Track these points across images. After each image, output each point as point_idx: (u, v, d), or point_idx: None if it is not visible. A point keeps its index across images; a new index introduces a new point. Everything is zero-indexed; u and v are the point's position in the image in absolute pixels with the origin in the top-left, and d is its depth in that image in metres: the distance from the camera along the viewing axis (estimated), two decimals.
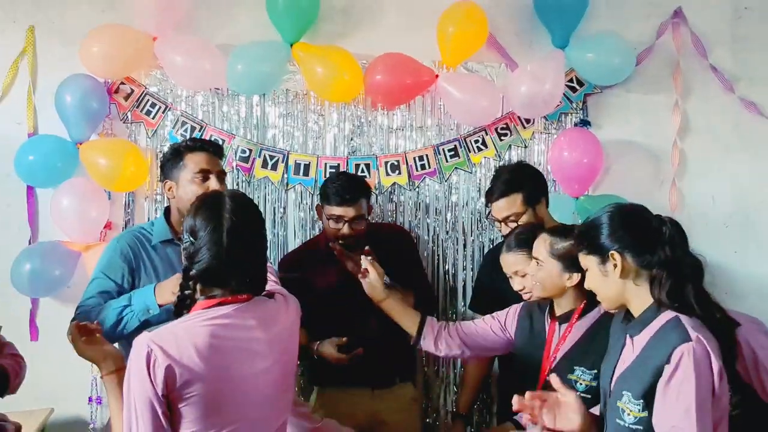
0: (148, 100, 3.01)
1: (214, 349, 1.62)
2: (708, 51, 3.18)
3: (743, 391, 1.80)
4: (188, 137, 2.95)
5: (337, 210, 2.52)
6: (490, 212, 2.56)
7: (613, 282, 1.71)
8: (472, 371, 2.74)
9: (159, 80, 3.03)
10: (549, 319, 2.21)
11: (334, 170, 3.03)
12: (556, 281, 2.12)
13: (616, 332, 1.85)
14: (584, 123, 3.15)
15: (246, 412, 1.67)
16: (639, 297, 1.70)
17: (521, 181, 2.50)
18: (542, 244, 2.14)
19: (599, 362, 1.98)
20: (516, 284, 2.28)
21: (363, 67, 2.98)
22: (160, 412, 1.55)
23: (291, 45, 2.95)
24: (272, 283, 1.91)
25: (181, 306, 1.70)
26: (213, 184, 2.29)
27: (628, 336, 1.73)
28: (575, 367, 2.08)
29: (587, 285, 1.80)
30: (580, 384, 2.07)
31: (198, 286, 1.69)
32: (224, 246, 1.65)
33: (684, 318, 1.63)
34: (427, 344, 2.29)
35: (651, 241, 1.68)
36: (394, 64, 2.96)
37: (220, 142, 3.00)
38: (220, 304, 1.67)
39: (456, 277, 3.15)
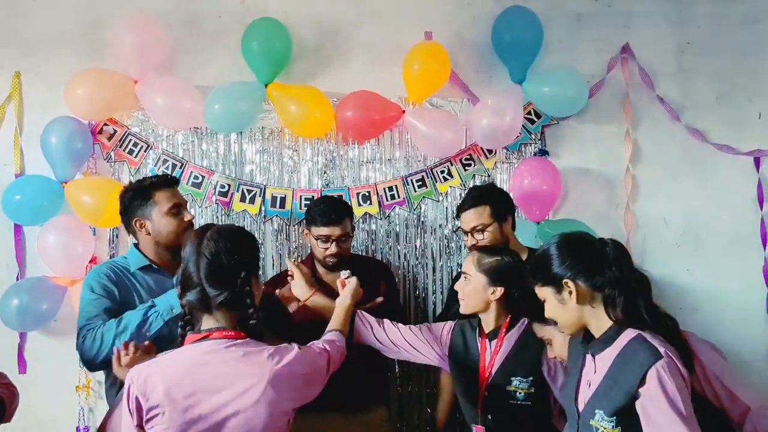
0: (131, 139, 3.16)
1: (183, 386, 1.68)
2: (655, 83, 3.40)
3: (698, 401, 1.86)
4: (170, 173, 3.11)
5: (324, 230, 2.68)
6: (459, 227, 2.75)
7: (572, 308, 1.80)
8: (445, 382, 2.86)
9: (140, 121, 3.18)
10: (479, 338, 2.36)
11: (308, 202, 3.18)
12: (482, 295, 2.28)
13: (573, 353, 1.96)
14: (543, 152, 3.35)
15: None
16: (597, 318, 1.80)
17: (490, 195, 2.73)
18: (471, 260, 2.33)
19: (534, 369, 2.16)
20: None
21: (334, 104, 3.16)
22: None
23: (266, 85, 3.12)
24: (316, 346, 1.95)
25: (184, 332, 1.81)
26: (186, 215, 2.48)
27: (589, 355, 1.83)
28: (512, 378, 2.25)
29: (547, 314, 1.88)
30: (520, 393, 2.23)
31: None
32: (201, 268, 1.76)
33: (648, 335, 1.73)
34: (365, 337, 2.37)
35: (598, 263, 1.79)
36: (363, 101, 3.14)
37: (200, 179, 3.16)
38: (205, 338, 1.74)
39: (426, 300, 3.31)
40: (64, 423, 3.04)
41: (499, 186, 3.29)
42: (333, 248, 2.70)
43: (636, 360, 1.69)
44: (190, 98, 3.07)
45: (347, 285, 2.39)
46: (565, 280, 1.80)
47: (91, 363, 2.29)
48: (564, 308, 1.83)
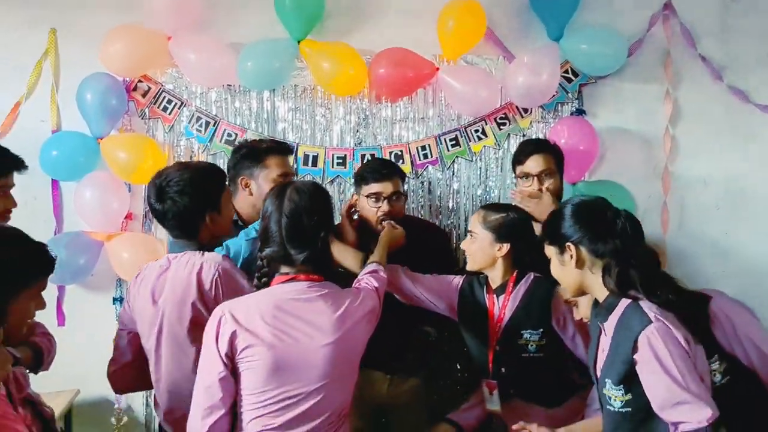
0: (165, 96, 3.16)
1: (277, 319, 1.82)
2: (697, 41, 3.31)
3: (729, 361, 1.90)
4: (203, 132, 3.14)
5: (375, 186, 2.56)
6: (522, 173, 2.70)
7: (571, 271, 1.85)
8: None
9: (174, 78, 3.18)
10: (487, 294, 2.37)
11: (341, 161, 3.18)
12: (488, 251, 2.30)
13: (593, 320, 1.96)
14: (580, 112, 3.28)
15: (303, 382, 1.82)
16: (599, 285, 1.83)
17: (555, 147, 2.77)
18: (477, 217, 2.33)
19: (543, 321, 2.19)
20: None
21: (367, 61, 3.12)
22: (220, 371, 1.79)
23: (298, 42, 3.09)
24: (365, 283, 2.08)
25: (259, 282, 1.95)
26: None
27: (599, 323, 1.86)
28: (522, 332, 2.27)
29: (552, 273, 1.94)
30: (531, 345, 2.25)
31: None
32: (283, 227, 1.87)
33: (644, 302, 1.75)
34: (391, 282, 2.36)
35: (604, 232, 1.81)
36: (396, 58, 3.11)
37: (233, 137, 3.17)
38: (291, 280, 1.88)
39: (458, 261, 3.29)
40: (100, 374, 3.08)
41: None
42: (385, 206, 2.55)
43: (629, 326, 1.73)
44: (223, 55, 3.07)
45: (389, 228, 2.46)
46: (568, 243, 1.83)
47: None
48: (564, 270, 1.88)
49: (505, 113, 3.27)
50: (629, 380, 1.72)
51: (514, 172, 2.82)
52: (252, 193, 2.51)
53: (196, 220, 2.10)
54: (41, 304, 1.72)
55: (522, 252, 2.31)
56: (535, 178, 2.66)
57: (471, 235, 2.36)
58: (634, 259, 1.79)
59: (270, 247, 1.91)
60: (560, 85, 3.22)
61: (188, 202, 2.07)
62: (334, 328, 1.84)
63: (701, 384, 1.67)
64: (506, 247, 2.29)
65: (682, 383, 1.64)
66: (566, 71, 3.26)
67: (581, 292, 1.89)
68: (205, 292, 2.00)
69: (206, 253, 2.09)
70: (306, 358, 1.82)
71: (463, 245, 2.39)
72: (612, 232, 1.80)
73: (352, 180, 2.95)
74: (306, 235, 1.89)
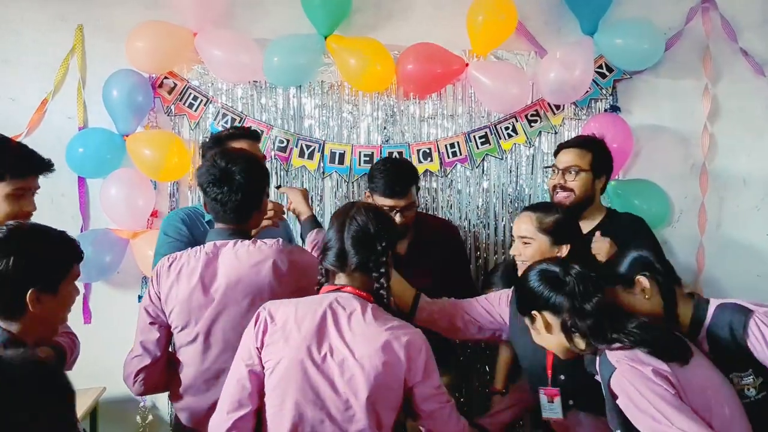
0: (191, 93, 3.14)
1: (312, 322, 1.79)
2: (738, 34, 3.20)
3: (766, 376, 1.81)
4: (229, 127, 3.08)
5: (388, 201, 2.56)
6: (552, 165, 2.66)
7: (547, 337, 1.90)
8: (504, 351, 2.79)
9: (200, 74, 3.15)
10: None
11: (367, 158, 3.12)
12: (548, 255, 2.14)
13: None
14: (614, 108, 3.19)
15: (312, 413, 1.75)
16: (574, 341, 1.85)
17: (597, 146, 2.64)
18: (527, 221, 2.21)
19: None
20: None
21: (395, 57, 3.07)
22: (252, 364, 1.80)
23: (325, 37, 3.05)
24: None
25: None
26: None
27: (595, 377, 1.86)
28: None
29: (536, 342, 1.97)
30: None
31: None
32: (347, 237, 1.86)
33: (607, 350, 1.76)
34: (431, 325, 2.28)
35: (557, 295, 1.84)
36: (425, 53, 3.04)
37: (259, 133, 3.12)
38: (338, 290, 1.85)
39: (488, 262, 3.23)
40: None
41: None
42: (397, 218, 2.55)
43: (604, 376, 1.75)
44: (249, 51, 3.03)
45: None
46: (533, 312, 1.89)
47: None
48: (544, 336, 1.91)
49: (536, 110, 3.18)
50: (629, 424, 1.69)
51: (546, 168, 2.76)
52: None
53: (253, 207, 2.11)
54: (77, 290, 1.80)
55: (579, 252, 2.20)
56: (561, 172, 2.59)
57: (524, 242, 2.23)
58: (584, 313, 1.81)
59: (330, 251, 1.88)
60: (594, 80, 3.13)
61: (253, 187, 2.07)
62: (368, 358, 1.75)
63: (691, 416, 1.60)
64: (566, 248, 2.18)
65: (664, 421, 1.59)
66: (600, 66, 3.17)
67: (572, 352, 1.89)
68: (281, 280, 2.02)
69: (266, 240, 2.08)
70: (323, 379, 1.76)
71: (513, 251, 2.26)
72: (563, 291, 1.84)
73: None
74: (367, 241, 1.85)
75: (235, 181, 2.03)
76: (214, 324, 2.04)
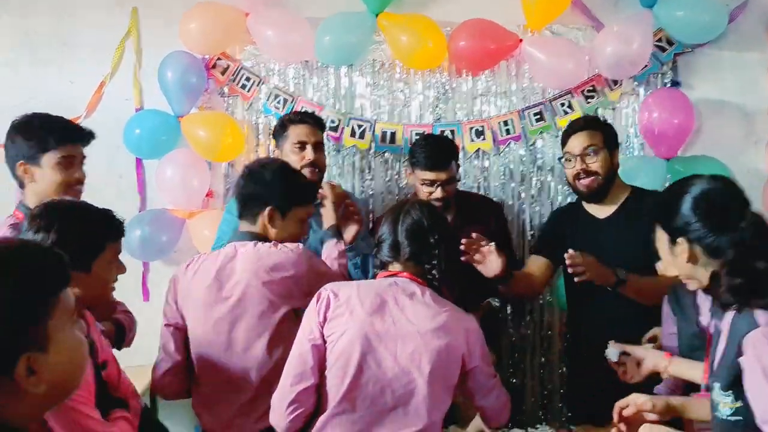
0: (243, 74, 3.15)
1: (371, 301, 1.84)
2: None
3: None
4: (282, 109, 3.11)
5: (429, 174, 2.57)
6: (565, 153, 2.55)
7: (681, 263, 1.68)
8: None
9: (252, 55, 3.16)
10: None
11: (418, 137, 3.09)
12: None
13: (712, 319, 1.80)
14: (674, 83, 3.09)
15: (373, 385, 1.79)
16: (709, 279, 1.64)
17: (602, 123, 2.61)
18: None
19: None
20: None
21: (447, 34, 3.02)
22: (314, 338, 1.83)
23: (376, 15, 3.01)
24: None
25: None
26: (309, 154, 2.59)
27: (716, 322, 1.70)
28: None
29: (659, 250, 1.75)
30: None
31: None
32: (401, 229, 1.92)
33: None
34: None
35: (724, 235, 1.60)
36: (477, 29, 2.99)
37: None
38: (395, 275, 1.90)
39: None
40: None
41: (623, 121, 3.13)
42: (438, 192, 2.59)
43: (738, 327, 1.54)
44: (301, 30, 3.02)
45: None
46: (680, 239, 1.65)
47: None
48: (674, 259, 1.69)
49: (593, 85, 3.10)
50: (738, 386, 1.53)
51: (560, 160, 2.66)
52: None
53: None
54: (122, 268, 1.80)
55: None
56: (578, 158, 2.49)
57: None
58: (753, 266, 1.55)
59: (384, 242, 1.94)
60: (653, 54, 3.02)
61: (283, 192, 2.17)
62: (425, 342, 1.81)
63: None
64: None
65: None
66: (659, 40, 3.06)
67: (694, 282, 1.71)
68: (298, 282, 2.10)
69: (287, 244, 2.14)
70: (384, 363, 1.80)
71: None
72: (734, 237, 1.58)
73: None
74: (421, 232, 1.90)
75: (264, 184, 2.17)
76: (231, 325, 2.09)
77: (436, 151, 2.61)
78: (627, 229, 2.44)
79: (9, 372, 0.99)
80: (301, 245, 2.17)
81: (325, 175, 3.12)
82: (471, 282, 2.34)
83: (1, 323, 0.99)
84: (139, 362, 2.92)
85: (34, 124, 2.16)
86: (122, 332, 2.20)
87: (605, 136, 2.54)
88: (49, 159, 2.13)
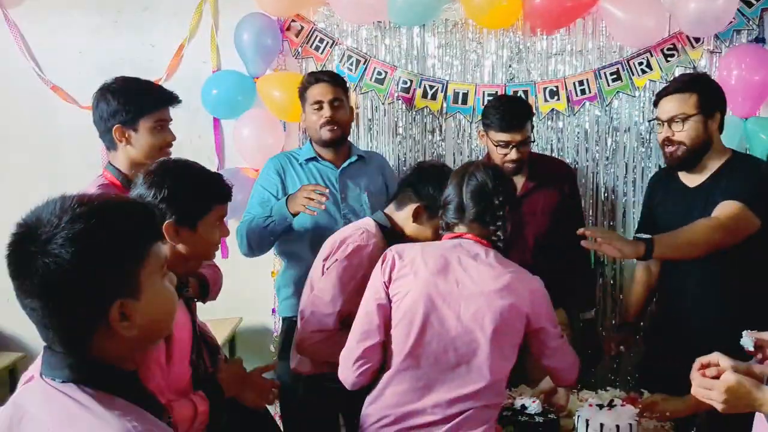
0: (317, 36, 3.18)
1: (436, 261, 1.87)
2: None
3: None
4: (354, 71, 3.16)
5: (504, 136, 2.54)
6: (655, 117, 2.41)
7: None
8: (640, 276, 2.66)
9: (326, 16, 3.19)
10: None
11: (491, 98, 3.06)
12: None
13: None
14: (759, 40, 2.95)
15: (437, 343, 1.82)
16: None
17: (700, 84, 2.36)
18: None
19: None
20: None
21: None
22: (379, 298, 1.88)
23: None
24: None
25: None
26: (326, 112, 2.60)
27: None
28: None
29: None
30: None
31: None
32: (466, 191, 1.92)
33: None
34: None
35: None
36: None
37: (383, 75, 3.15)
38: (459, 237, 1.92)
39: (615, 203, 3.13)
40: (261, 305, 3.27)
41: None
42: (513, 154, 2.55)
43: None
44: None
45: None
46: None
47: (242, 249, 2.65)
48: None
49: (673, 43, 2.99)
50: None
51: (650, 122, 2.55)
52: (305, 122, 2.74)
53: None
54: (225, 231, 1.83)
55: None
56: (665, 124, 2.33)
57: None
58: None
59: (449, 205, 1.94)
60: (738, 10, 2.87)
61: None
62: (489, 303, 1.82)
63: None
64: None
65: None
66: None
67: None
68: None
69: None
70: (447, 324, 1.82)
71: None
72: None
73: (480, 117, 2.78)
74: (486, 194, 1.90)
75: None
76: None
77: (510, 112, 2.56)
78: (716, 198, 2.27)
79: (104, 315, 1.07)
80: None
81: (400, 135, 3.17)
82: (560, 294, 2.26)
83: (96, 271, 1.06)
84: (220, 315, 3.06)
85: (131, 89, 2.22)
86: (206, 286, 2.28)
87: (701, 99, 2.30)
88: (146, 123, 2.19)
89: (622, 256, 2.12)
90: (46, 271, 1.03)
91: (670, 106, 2.32)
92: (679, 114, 2.30)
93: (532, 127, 2.67)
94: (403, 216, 2.20)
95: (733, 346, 2.15)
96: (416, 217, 2.15)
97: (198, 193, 1.74)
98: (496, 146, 2.58)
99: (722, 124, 2.38)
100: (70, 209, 1.06)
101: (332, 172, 2.67)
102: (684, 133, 2.30)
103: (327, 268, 2.16)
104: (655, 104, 2.43)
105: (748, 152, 2.92)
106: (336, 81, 2.66)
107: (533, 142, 2.69)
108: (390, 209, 2.25)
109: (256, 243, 2.62)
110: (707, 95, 2.33)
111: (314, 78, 2.66)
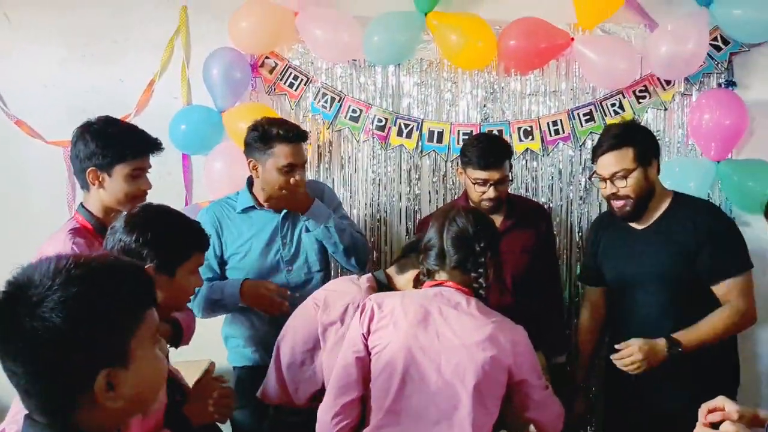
0: (291, 72, 3.15)
1: (415, 311, 1.82)
2: None
3: None
4: (329, 108, 3.12)
5: (482, 174, 2.53)
6: (594, 172, 2.39)
7: None
8: (584, 333, 2.70)
9: (301, 54, 3.16)
10: None
11: (466, 137, 3.06)
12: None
13: None
14: (729, 84, 3.02)
15: (417, 398, 1.77)
16: None
17: (633, 135, 2.34)
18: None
19: None
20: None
21: (497, 33, 2.98)
22: (358, 350, 1.83)
23: (425, 14, 2.99)
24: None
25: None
26: (299, 177, 2.50)
27: None
28: None
29: None
30: None
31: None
32: (447, 237, 1.91)
33: None
34: None
35: None
36: (528, 28, 2.96)
37: (358, 113, 3.12)
38: (440, 285, 1.89)
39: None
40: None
41: (675, 122, 3.06)
42: (491, 192, 2.54)
43: None
44: (349, 30, 3.01)
45: None
46: None
47: None
48: None
49: (645, 86, 3.05)
50: None
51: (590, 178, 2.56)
52: (258, 176, 2.53)
53: None
54: (199, 281, 1.81)
55: None
56: (608, 181, 2.32)
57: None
58: None
59: (430, 251, 1.92)
60: (708, 54, 2.95)
61: None
62: (470, 356, 1.77)
63: None
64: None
65: None
66: (715, 38, 2.99)
67: None
68: None
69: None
70: (427, 377, 1.77)
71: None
72: None
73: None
74: (466, 241, 1.88)
75: None
76: None
77: (489, 150, 2.55)
78: (665, 239, 2.33)
79: (89, 385, 1.00)
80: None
81: (375, 174, 3.14)
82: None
83: (86, 337, 0.99)
84: (192, 357, 2.94)
85: (111, 133, 2.14)
86: (179, 331, 2.20)
87: (638, 151, 2.29)
88: (122, 170, 2.12)
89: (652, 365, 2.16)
90: (34, 335, 0.96)
91: (609, 162, 2.31)
92: (620, 171, 2.30)
93: (511, 166, 2.66)
94: (404, 281, 2.16)
95: (699, 381, 2.21)
96: (417, 283, 2.10)
97: (180, 240, 1.72)
98: (474, 184, 2.56)
99: (659, 168, 2.40)
100: (65, 271, 1.00)
101: (273, 218, 2.59)
102: (628, 188, 2.31)
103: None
104: (593, 159, 2.40)
105: (720, 195, 2.98)
106: (305, 140, 2.57)
107: (511, 181, 2.68)
108: (391, 271, 2.22)
109: (208, 313, 2.56)
110: (643, 146, 2.33)
111: (287, 136, 2.47)
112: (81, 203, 2.20)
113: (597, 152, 2.35)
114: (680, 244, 2.29)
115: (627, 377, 2.32)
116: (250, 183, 2.65)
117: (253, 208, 2.60)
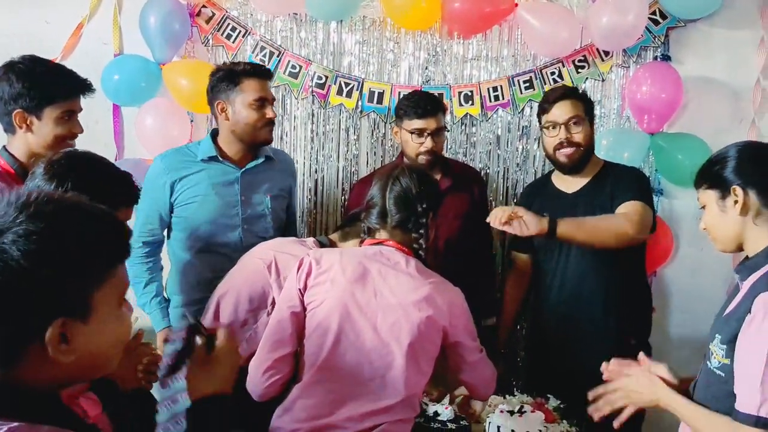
0: (229, 24, 3.04)
1: (354, 269, 1.80)
2: None
3: None
4: (267, 62, 3.02)
5: (418, 123, 2.53)
6: (546, 123, 2.50)
7: (731, 219, 1.62)
8: (510, 298, 2.80)
9: (239, 4, 3.05)
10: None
11: None
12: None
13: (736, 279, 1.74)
14: (665, 57, 3.07)
15: (351, 355, 1.76)
16: (755, 238, 1.61)
17: (583, 94, 2.59)
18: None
19: None
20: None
21: None
22: (293, 305, 1.80)
23: None
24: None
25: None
26: (270, 112, 2.44)
27: (739, 281, 1.65)
28: None
29: (703, 224, 1.71)
30: None
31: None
32: (389, 197, 1.88)
33: None
34: None
35: None
36: None
37: (297, 69, 3.05)
38: (380, 244, 1.87)
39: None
40: None
41: (612, 92, 3.11)
42: (428, 142, 2.54)
43: (759, 286, 1.52)
44: None
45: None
46: (734, 186, 1.60)
47: None
48: (723, 217, 1.64)
49: (584, 55, 3.07)
50: (734, 343, 1.52)
51: (540, 124, 2.60)
52: (228, 118, 2.44)
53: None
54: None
55: None
56: (562, 126, 2.45)
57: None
58: None
59: (372, 209, 1.90)
60: (646, 27, 2.98)
61: None
62: (406, 313, 1.78)
63: None
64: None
65: (760, 370, 1.42)
66: (654, 12, 3.02)
67: (737, 246, 1.66)
68: None
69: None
70: (363, 333, 1.77)
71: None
72: None
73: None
74: (409, 201, 1.86)
75: None
76: None
77: (424, 99, 2.59)
78: (590, 201, 2.46)
79: (41, 335, 0.91)
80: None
81: (313, 133, 3.08)
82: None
83: (45, 279, 0.90)
84: None
85: (39, 73, 2.01)
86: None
87: (586, 107, 2.52)
88: (52, 111, 2.01)
89: (527, 232, 2.16)
90: None
91: (566, 108, 2.47)
92: (574, 116, 2.45)
93: (445, 124, 2.68)
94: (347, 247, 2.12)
95: (618, 341, 2.32)
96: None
97: (103, 192, 1.56)
98: (411, 134, 2.56)
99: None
100: (35, 204, 0.92)
101: (233, 172, 2.49)
102: (581, 134, 2.47)
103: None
104: (544, 111, 2.52)
105: (651, 167, 3.05)
106: (271, 79, 2.55)
107: (447, 130, 2.69)
108: (334, 237, 2.19)
109: None
110: (589, 105, 2.55)
111: (255, 71, 2.44)
112: (3, 146, 2.08)
113: (551, 100, 2.50)
114: (602, 209, 2.40)
115: (550, 340, 2.42)
116: (214, 134, 2.54)
117: (215, 158, 2.48)
